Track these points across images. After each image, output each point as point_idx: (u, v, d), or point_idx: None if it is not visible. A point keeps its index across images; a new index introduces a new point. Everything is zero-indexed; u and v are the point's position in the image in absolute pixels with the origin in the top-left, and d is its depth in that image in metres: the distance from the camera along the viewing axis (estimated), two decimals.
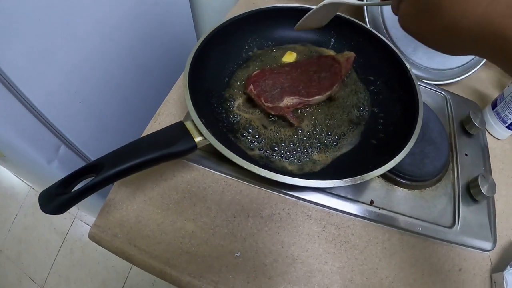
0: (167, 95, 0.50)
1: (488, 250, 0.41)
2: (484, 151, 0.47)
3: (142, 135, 0.47)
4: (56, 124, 0.51)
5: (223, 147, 0.35)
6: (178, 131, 0.37)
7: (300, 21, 0.42)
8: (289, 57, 0.50)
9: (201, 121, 0.37)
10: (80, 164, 0.62)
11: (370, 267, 0.39)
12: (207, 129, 0.36)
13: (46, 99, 0.48)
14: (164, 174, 0.44)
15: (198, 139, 0.36)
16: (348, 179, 0.36)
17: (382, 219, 0.41)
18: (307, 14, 0.41)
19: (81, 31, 0.49)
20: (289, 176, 0.35)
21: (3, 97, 0.43)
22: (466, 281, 0.40)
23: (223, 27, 0.46)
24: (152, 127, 0.47)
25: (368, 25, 0.53)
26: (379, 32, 0.49)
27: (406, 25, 0.27)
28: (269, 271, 0.38)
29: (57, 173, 0.55)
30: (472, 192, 0.42)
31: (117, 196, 0.43)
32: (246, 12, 0.48)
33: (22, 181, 1.37)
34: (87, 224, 1.28)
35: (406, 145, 0.38)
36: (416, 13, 0.25)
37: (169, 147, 0.35)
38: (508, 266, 0.38)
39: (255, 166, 0.35)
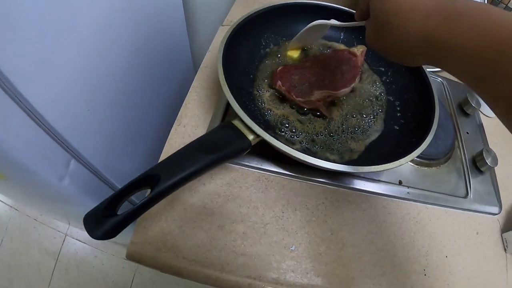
0: (186, 97, 0.48)
1: (496, 214, 0.48)
2: (481, 128, 0.55)
3: (167, 140, 0.45)
4: (65, 136, 0.45)
5: (279, 142, 0.36)
6: (229, 132, 0.36)
7: (291, 41, 0.47)
8: (295, 52, 0.52)
9: (250, 118, 0.36)
10: (92, 179, 0.56)
11: (408, 240, 0.43)
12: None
13: (53, 109, 0.42)
14: (201, 179, 0.42)
15: (251, 137, 0.36)
16: (388, 164, 0.38)
17: (411, 196, 0.45)
18: (297, 35, 0.46)
19: (84, 33, 0.44)
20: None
21: (7, 108, 0.37)
22: (483, 242, 0.46)
23: (241, 26, 0.46)
24: (177, 130, 0.45)
25: None
26: None
27: (369, 41, 0.32)
28: (324, 259, 0.40)
29: (69, 191, 0.49)
30: (478, 164, 0.49)
31: (152, 208, 0.40)
32: (260, 10, 0.48)
33: (2, 202, 1.21)
34: (80, 241, 1.17)
35: (431, 129, 0.42)
36: (375, 31, 0.30)
37: (226, 148, 0.35)
38: None
39: (313, 158, 0.36)
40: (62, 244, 1.15)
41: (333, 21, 0.42)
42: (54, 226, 1.18)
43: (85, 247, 1.14)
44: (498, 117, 0.24)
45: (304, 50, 0.53)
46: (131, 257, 0.38)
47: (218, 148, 0.34)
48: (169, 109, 0.75)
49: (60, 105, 0.45)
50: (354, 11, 0.53)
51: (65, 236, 1.17)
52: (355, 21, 0.37)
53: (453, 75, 0.26)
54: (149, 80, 0.65)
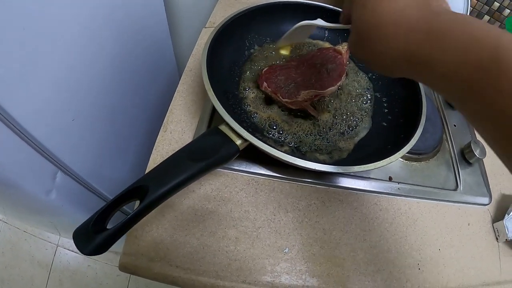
0: (171, 102, 0.47)
1: (486, 204, 0.48)
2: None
3: (154, 148, 0.44)
4: (50, 148, 0.44)
5: (267, 146, 0.35)
6: (216, 137, 0.36)
7: (280, 40, 0.45)
8: (285, 50, 0.52)
9: (237, 123, 0.36)
10: (80, 191, 0.55)
11: (401, 235, 0.43)
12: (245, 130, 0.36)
13: (36, 121, 0.41)
14: (191, 186, 0.42)
15: (238, 142, 0.36)
16: (379, 162, 0.38)
17: (402, 192, 0.45)
18: (285, 35, 0.45)
19: (66, 42, 0.43)
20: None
21: None
22: (475, 233, 0.46)
23: (224, 28, 0.45)
24: (164, 137, 0.45)
25: None
26: None
27: (352, 51, 0.30)
28: (318, 259, 0.40)
29: (57, 204, 0.48)
30: (466, 156, 0.49)
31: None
32: (243, 10, 0.48)
33: None
34: (72, 251, 1.15)
35: (419, 123, 0.42)
36: (358, 41, 0.28)
37: (214, 155, 0.34)
38: (506, 215, 0.46)
39: (302, 160, 0.35)
40: (54, 255, 1.14)
41: (320, 21, 0.41)
42: (45, 238, 1.16)
43: (78, 257, 1.13)
44: (481, 136, 0.22)
45: (297, 49, 0.52)
46: (124, 268, 0.38)
47: (206, 155, 0.34)
48: (156, 115, 0.74)
49: (44, 116, 0.44)
50: (339, 9, 0.53)
51: (57, 247, 1.16)
52: (340, 22, 0.36)
53: (435, 91, 0.25)
54: (134, 87, 0.64)
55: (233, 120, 0.36)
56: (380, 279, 0.40)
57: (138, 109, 0.70)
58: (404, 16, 0.24)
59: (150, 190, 0.31)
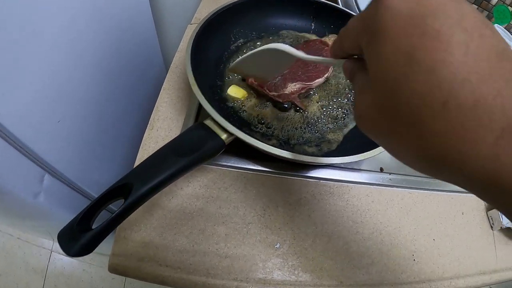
0: (157, 100, 0.47)
1: None
2: None
3: (141, 146, 0.43)
4: (36, 150, 0.43)
5: (253, 139, 0.35)
6: (201, 132, 0.35)
7: (232, 65, 0.36)
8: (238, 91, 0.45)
9: (222, 117, 0.35)
10: (69, 193, 0.54)
11: (394, 227, 0.43)
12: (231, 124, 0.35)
13: (21, 123, 0.40)
14: (178, 183, 0.41)
15: (224, 136, 0.35)
16: (369, 152, 0.38)
17: (393, 183, 0.45)
18: (242, 58, 0.34)
19: (50, 42, 0.42)
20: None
21: None
22: (469, 222, 0.46)
23: (208, 23, 0.45)
24: (150, 135, 0.44)
25: (341, 5, 0.56)
26: (353, 12, 0.52)
27: (363, 125, 0.19)
28: (311, 253, 0.39)
29: (46, 207, 0.47)
30: None
31: (130, 217, 0.38)
32: (227, 4, 0.47)
33: None
34: (66, 256, 1.12)
35: None
36: (382, 112, 0.17)
37: (199, 150, 0.33)
38: None
39: (289, 153, 0.35)
40: (49, 261, 1.12)
41: (300, 53, 0.29)
42: (39, 244, 1.15)
43: (72, 261, 1.11)
44: None
45: (284, 41, 0.51)
46: (113, 270, 0.37)
47: (191, 150, 0.33)
48: (144, 113, 0.73)
49: (29, 118, 0.43)
50: (323, 1, 0.52)
51: (51, 252, 1.14)
52: (331, 56, 0.25)
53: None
54: (121, 86, 0.63)
55: (217, 114, 0.35)
56: (374, 272, 0.39)
57: (126, 108, 0.69)
58: (491, 94, 0.13)
59: (134, 188, 0.30)
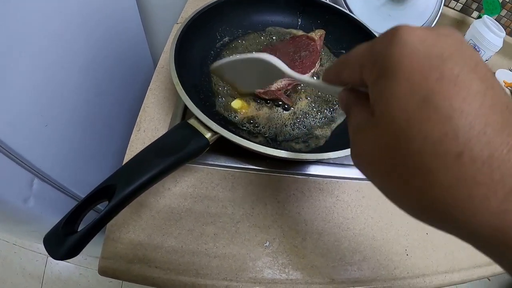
0: (144, 100, 0.46)
1: None
2: None
3: (128, 147, 0.43)
4: (24, 155, 0.43)
5: (237, 137, 0.34)
6: (185, 131, 0.34)
7: (217, 63, 0.32)
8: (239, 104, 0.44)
9: (206, 116, 0.35)
10: (59, 197, 0.54)
11: (386, 222, 0.42)
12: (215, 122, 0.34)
13: (8, 128, 0.40)
14: (166, 183, 0.41)
15: (208, 135, 0.34)
16: None
17: None
18: (227, 59, 0.31)
19: (36, 45, 0.42)
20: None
21: None
22: None
23: (193, 22, 0.44)
24: (137, 136, 0.43)
25: (329, 0, 0.55)
26: (340, 6, 0.52)
27: (360, 163, 0.19)
28: (301, 251, 0.38)
29: (36, 212, 0.47)
30: None
31: (119, 218, 0.38)
32: (211, 3, 0.47)
33: None
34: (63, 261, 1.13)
35: None
36: (385, 159, 0.16)
37: (182, 149, 0.33)
38: None
39: (274, 149, 0.34)
40: (45, 266, 1.12)
41: (290, 71, 0.26)
42: (35, 249, 1.14)
43: (69, 266, 1.11)
44: None
45: (270, 37, 0.51)
46: (103, 273, 0.37)
47: (175, 150, 0.33)
48: (133, 114, 0.73)
49: (16, 123, 0.43)
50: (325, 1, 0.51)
51: (47, 257, 1.14)
52: (323, 79, 0.23)
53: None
54: (109, 87, 0.63)
55: (201, 113, 0.34)
56: (367, 268, 0.39)
57: (115, 110, 0.69)
58: (501, 147, 0.13)
59: (117, 189, 0.30)
